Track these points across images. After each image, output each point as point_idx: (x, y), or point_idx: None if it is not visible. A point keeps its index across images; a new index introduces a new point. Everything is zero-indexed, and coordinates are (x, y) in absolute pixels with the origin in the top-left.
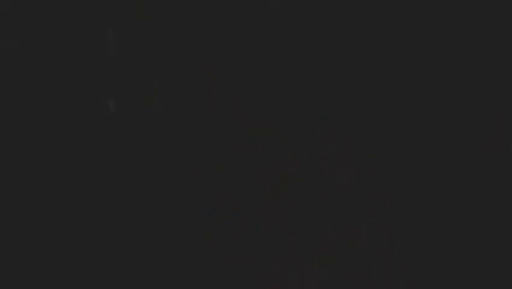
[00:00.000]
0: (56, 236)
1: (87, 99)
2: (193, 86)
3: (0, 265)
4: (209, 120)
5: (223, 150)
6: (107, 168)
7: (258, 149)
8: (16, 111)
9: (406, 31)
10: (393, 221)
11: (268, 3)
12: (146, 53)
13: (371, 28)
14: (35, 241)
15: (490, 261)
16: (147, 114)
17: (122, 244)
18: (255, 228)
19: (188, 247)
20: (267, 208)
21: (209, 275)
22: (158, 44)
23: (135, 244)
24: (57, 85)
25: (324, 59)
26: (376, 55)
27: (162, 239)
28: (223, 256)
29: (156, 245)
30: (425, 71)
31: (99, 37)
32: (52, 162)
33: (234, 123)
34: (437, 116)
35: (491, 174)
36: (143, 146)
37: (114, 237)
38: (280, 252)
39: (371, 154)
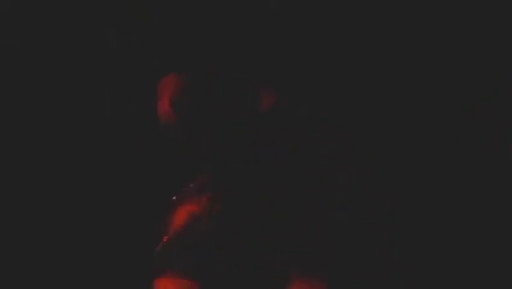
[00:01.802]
0: (55, 237)
1: (86, 98)
2: (193, 86)
3: None
4: (208, 120)
5: (223, 150)
6: (107, 168)
7: (258, 149)
8: (16, 111)
9: (406, 31)
10: (393, 221)
11: (268, 3)
12: (146, 53)
13: (371, 28)
14: (33, 240)
15: (490, 260)
16: (147, 114)
17: (121, 245)
18: (254, 228)
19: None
20: (267, 207)
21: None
22: (158, 44)
23: (135, 245)
24: (57, 85)
25: (324, 59)
26: (376, 55)
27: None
28: (223, 256)
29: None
30: (425, 71)
31: (99, 37)
32: (52, 161)
33: (234, 122)
34: (437, 116)
35: (491, 174)
36: (143, 146)
37: (114, 239)
38: (279, 252)
39: (371, 154)
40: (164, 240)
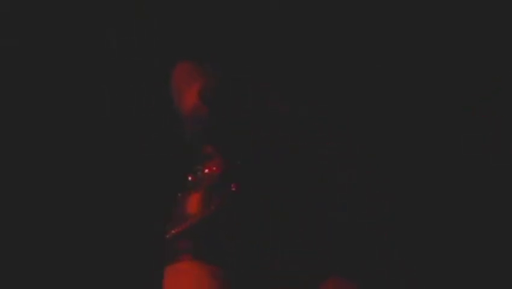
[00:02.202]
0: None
1: (86, 98)
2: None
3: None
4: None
5: (222, 150)
6: (106, 168)
7: (258, 149)
8: (16, 111)
9: (406, 31)
10: (393, 221)
11: (268, 3)
12: (146, 53)
13: (371, 28)
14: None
15: (490, 260)
16: (147, 114)
17: (121, 245)
18: (255, 228)
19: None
20: (267, 207)
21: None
22: (158, 44)
23: (135, 245)
24: (57, 84)
25: (324, 59)
26: (376, 55)
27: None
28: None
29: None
30: (425, 71)
31: (99, 37)
32: (52, 161)
33: (233, 123)
34: (437, 116)
35: (491, 174)
36: (143, 146)
37: (115, 238)
38: (279, 252)
39: (371, 154)
40: (178, 226)
